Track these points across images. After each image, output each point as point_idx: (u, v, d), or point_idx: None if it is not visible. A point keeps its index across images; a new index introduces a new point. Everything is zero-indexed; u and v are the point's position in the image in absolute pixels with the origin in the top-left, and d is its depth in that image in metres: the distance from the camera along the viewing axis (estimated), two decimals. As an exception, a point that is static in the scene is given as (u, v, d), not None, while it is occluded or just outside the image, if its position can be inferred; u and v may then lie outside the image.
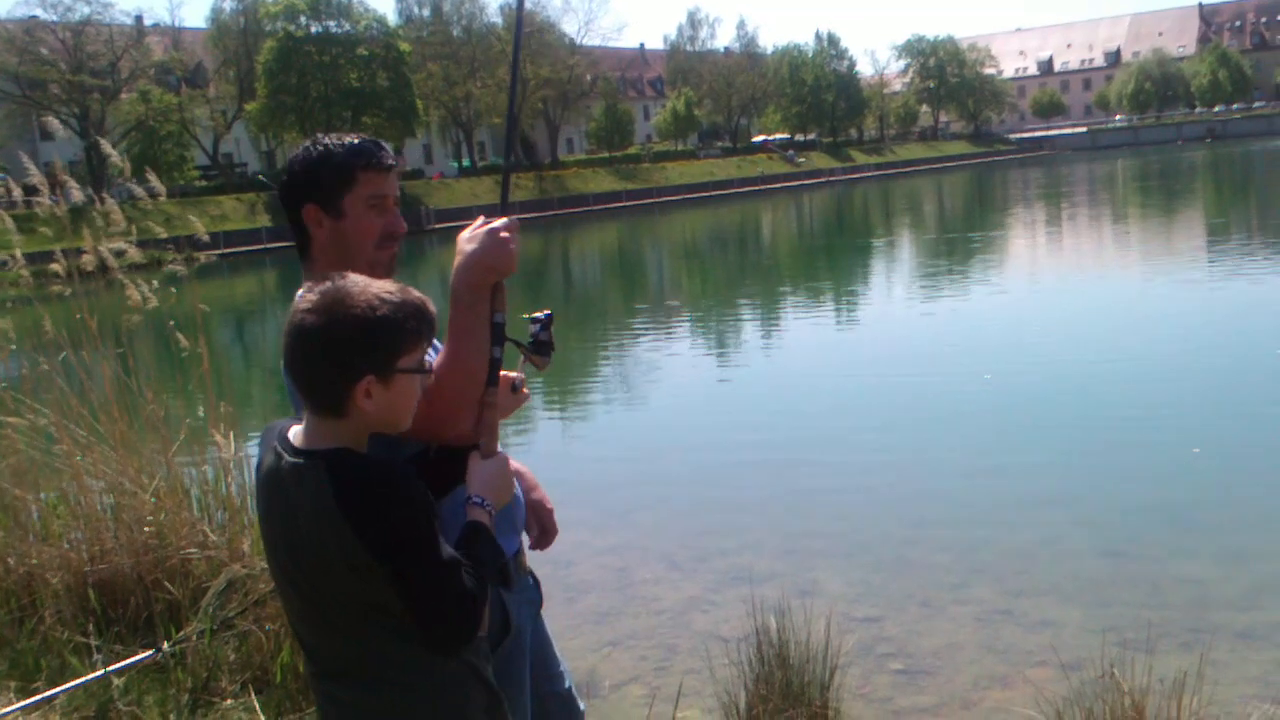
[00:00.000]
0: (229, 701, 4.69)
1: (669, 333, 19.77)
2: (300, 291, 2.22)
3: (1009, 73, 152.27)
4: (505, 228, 2.47)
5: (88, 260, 5.81)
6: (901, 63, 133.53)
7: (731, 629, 4.53)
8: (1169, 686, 3.24)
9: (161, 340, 6.51)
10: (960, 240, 35.02)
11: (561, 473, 8.88)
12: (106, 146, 7.57)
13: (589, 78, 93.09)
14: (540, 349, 2.47)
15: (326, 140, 2.56)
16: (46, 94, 62.43)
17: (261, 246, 54.69)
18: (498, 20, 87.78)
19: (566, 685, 2.89)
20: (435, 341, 2.35)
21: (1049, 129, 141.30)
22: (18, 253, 5.89)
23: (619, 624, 5.49)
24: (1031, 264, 26.70)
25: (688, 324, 21.25)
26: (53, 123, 45.12)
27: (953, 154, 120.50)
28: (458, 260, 2.42)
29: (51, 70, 62.81)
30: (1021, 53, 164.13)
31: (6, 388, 5.97)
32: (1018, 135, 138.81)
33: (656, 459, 10.11)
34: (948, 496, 8.20)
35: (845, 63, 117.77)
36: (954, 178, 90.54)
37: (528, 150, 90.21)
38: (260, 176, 69.38)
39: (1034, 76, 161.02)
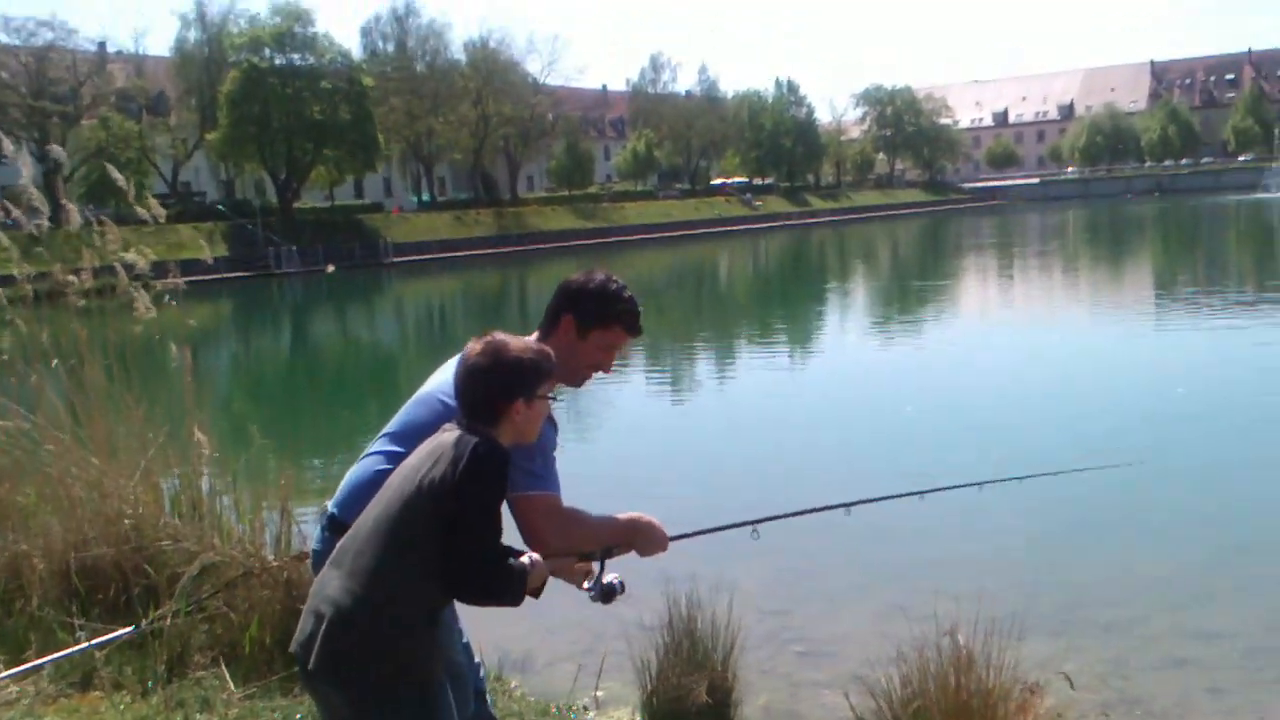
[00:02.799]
0: (201, 672, 5.24)
1: (621, 370, 20.32)
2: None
3: (965, 123, 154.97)
4: (665, 542, 3.44)
5: (80, 279, 6.37)
6: (859, 111, 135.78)
7: (653, 617, 5.06)
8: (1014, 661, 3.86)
9: (135, 357, 7.08)
10: (913, 288, 35.83)
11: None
12: (58, 151, 8.00)
13: (551, 116, 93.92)
14: (606, 595, 3.28)
15: (617, 283, 3.43)
16: (6, 117, 62.36)
17: (219, 276, 54.75)
18: (461, 57, 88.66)
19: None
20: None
21: (1003, 179, 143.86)
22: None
23: (554, 614, 6.12)
24: (979, 312, 27.53)
25: (641, 361, 21.80)
26: (6, 145, 45.15)
27: (907, 201, 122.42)
28: (649, 522, 3.40)
29: (11, 94, 62.81)
30: (977, 103, 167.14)
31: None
32: (972, 184, 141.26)
33: (601, 479, 10.66)
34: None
35: (804, 109, 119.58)
36: (908, 225, 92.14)
37: (488, 187, 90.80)
38: (219, 206, 69.53)
39: (989, 127, 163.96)
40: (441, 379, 3.38)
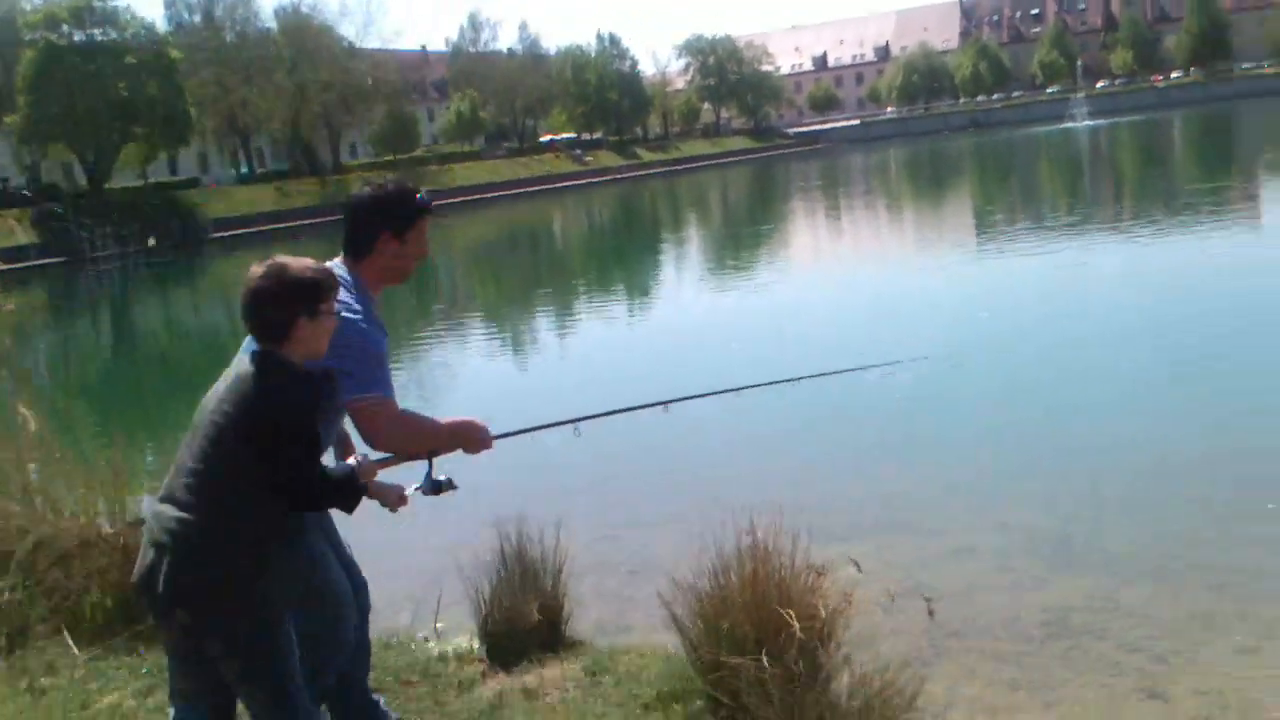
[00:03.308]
0: (43, 642, 5.30)
1: (463, 336, 20.34)
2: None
3: (785, 69, 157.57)
4: (488, 443, 3.75)
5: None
6: (682, 61, 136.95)
7: (488, 552, 5.29)
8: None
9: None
10: (747, 233, 36.32)
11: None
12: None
13: (369, 81, 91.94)
14: (434, 489, 3.67)
15: (398, 183, 3.80)
16: None
17: (30, 264, 52.40)
18: (272, 25, 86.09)
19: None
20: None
21: (825, 122, 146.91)
22: None
23: (395, 559, 6.36)
24: (811, 254, 28.14)
25: (480, 325, 21.86)
26: None
27: (735, 149, 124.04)
28: (472, 422, 3.73)
29: None
30: (797, 49, 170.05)
31: None
32: (796, 129, 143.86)
33: None
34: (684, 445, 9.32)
35: (628, 62, 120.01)
36: (737, 172, 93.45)
37: (309, 156, 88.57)
38: (24, 192, 66.31)
39: (809, 72, 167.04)
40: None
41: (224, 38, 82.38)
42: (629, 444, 9.70)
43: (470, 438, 3.72)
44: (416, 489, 3.67)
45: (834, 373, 5.29)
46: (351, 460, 3.36)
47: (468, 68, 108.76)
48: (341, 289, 3.43)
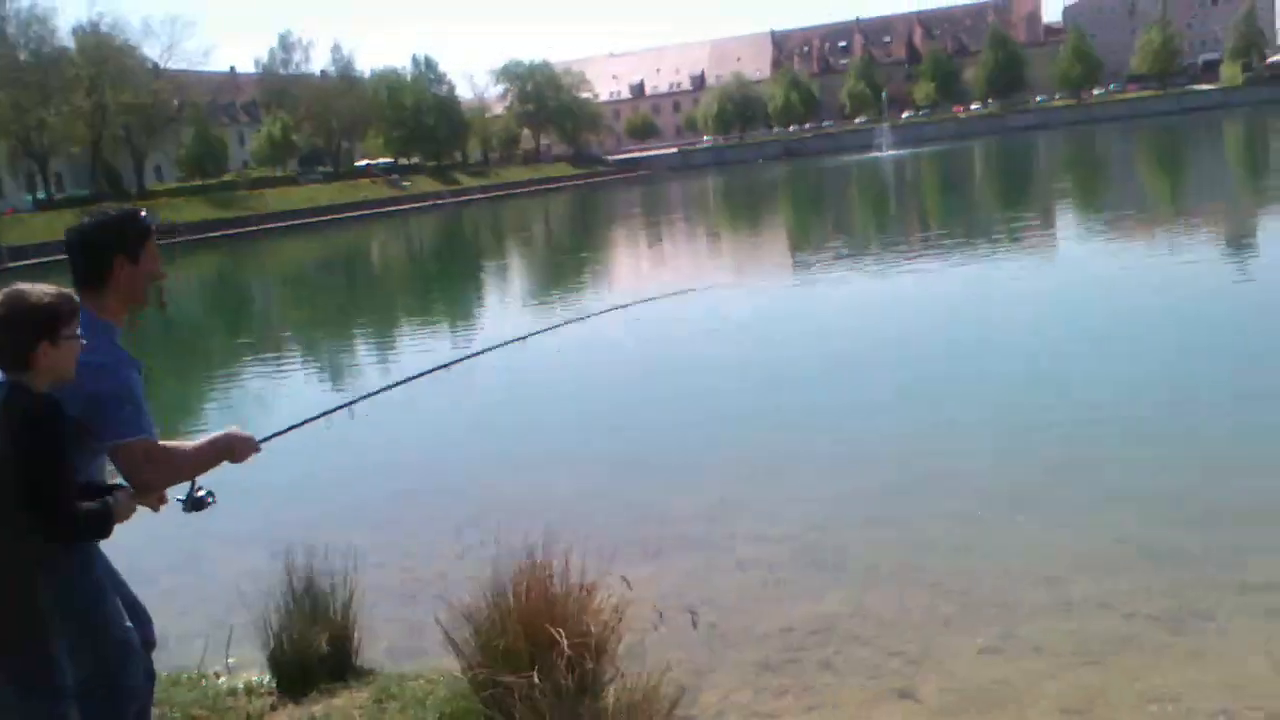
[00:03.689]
0: None
1: (279, 365, 19.93)
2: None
3: (604, 96, 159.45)
4: (255, 448, 3.83)
5: None
6: (500, 87, 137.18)
7: (277, 584, 5.32)
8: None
9: None
10: (570, 259, 36.47)
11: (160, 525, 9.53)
12: None
13: (176, 103, 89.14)
14: (194, 506, 3.80)
15: (118, 209, 3.88)
16: None
17: None
18: (70, 44, 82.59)
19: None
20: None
21: (644, 150, 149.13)
22: None
23: (185, 596, 6.32)
24: (632, 277, 28.51)
25: (298, 355, 21.43)
26: None
27: (555, 175, 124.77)
28: (230, 434, 3.78)
29: None
30: (615, 76, 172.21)
31: None
32: (615, 156, 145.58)
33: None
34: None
35: (445, 86, 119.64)
36: (558, 198, 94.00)
37: (111, 180, 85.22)
38: None
39: (627, 99, 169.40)
40: None
41: (18, 56, 78.55)
42: (414, 464, 10.58)
43: (233, 448, 3.77)
44: (179, 500, 3.74)
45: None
46: (109, 498, 3.40)
47: (279, 88, 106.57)
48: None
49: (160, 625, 4.33)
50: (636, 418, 11.41)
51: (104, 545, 3.78)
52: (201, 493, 3.77)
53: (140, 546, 4.26)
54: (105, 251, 3.66)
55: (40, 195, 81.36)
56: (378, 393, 4.28)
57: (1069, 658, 5.14)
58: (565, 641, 3.83)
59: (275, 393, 16.11)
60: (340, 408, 4.09)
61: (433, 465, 10.67)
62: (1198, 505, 7.02)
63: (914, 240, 28.34)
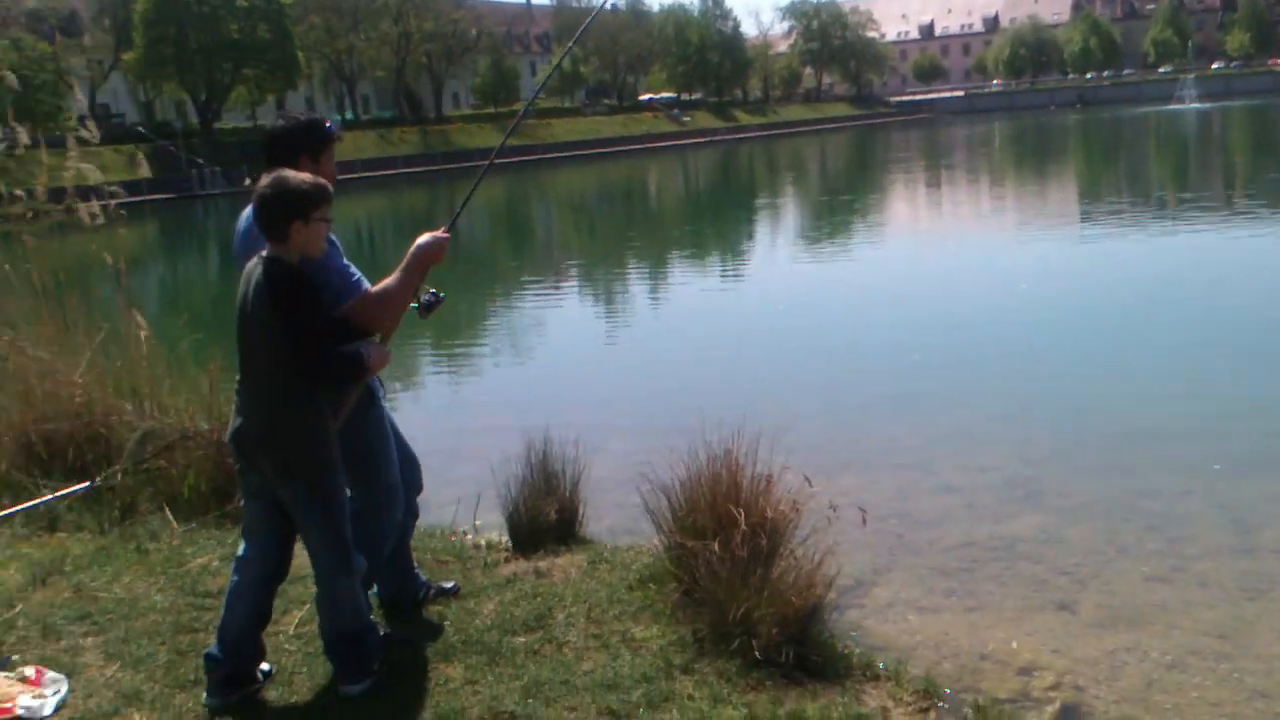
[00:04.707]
0: (149, 516, 6.36)
1: (559, 290, 21.25)
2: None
3: (891, 36, 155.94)
4: (446, 240, 4.37)
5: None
6: (785, 25, 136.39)
7: (518, 461, 6.17)
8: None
9: (80, 268, 8.12)
10: (843, 202, 36.00)
11: (440, 410, 11.08)
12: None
13: (474, 32, 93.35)
14: (427, 310, 4.45)
15: (303, 115, 4.60)
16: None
17: (143, 199, 54.62)
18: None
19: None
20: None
21: (929, 92, 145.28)
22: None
23: (451, 469, 7.37)
24: (910, 225, 27.72)
25: (577, 282, 22.69)
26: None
27: (835, 115, 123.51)
28: (419, 245, 4.30)
29: (-83, 15, 61.50)
30: (903, 16, 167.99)
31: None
32: (899, 98, 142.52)
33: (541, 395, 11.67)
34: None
35: (730, 23, 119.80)
36: (836, 139, 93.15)
37: (412, 105, 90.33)
38: (139, 128, 68.76)
39: (915, 40, 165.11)
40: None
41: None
42: (647, 368, 11.89)
43: (430, 253, 4.34)
44: (414, 307, 4.40)
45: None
46: (360, 346, 4.14)
47: (571, 22, 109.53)
48: None
49: (424, 494, 5.23)
50: (893, 353, 11.92)
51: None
52: (427, 297, 4.44)
53: (414, 433, 5.11)
54: (293, 150, 4.36)
55: (349, 116, 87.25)
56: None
57: (1232, 591, 5.42)
58: (743, 520, 4.48)
59: (549, 314, 17.42)
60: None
61: (674, 372, 11.84)
62: None
63: (1218, 198, 26.91)
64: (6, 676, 4.49)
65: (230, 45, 67.58)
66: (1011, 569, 5.77)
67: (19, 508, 6.43)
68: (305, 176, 3.97)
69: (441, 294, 4.51)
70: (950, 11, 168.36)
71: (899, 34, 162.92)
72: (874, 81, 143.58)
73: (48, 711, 4.29)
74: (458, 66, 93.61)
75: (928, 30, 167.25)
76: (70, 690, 4.42)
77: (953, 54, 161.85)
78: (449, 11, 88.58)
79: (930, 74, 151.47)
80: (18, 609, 5.19)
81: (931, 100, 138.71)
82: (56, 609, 5.21)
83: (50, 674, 4.54)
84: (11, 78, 7.95)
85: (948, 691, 4.32)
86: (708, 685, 4.15)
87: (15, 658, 4.68)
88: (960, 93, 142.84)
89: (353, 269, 4.29)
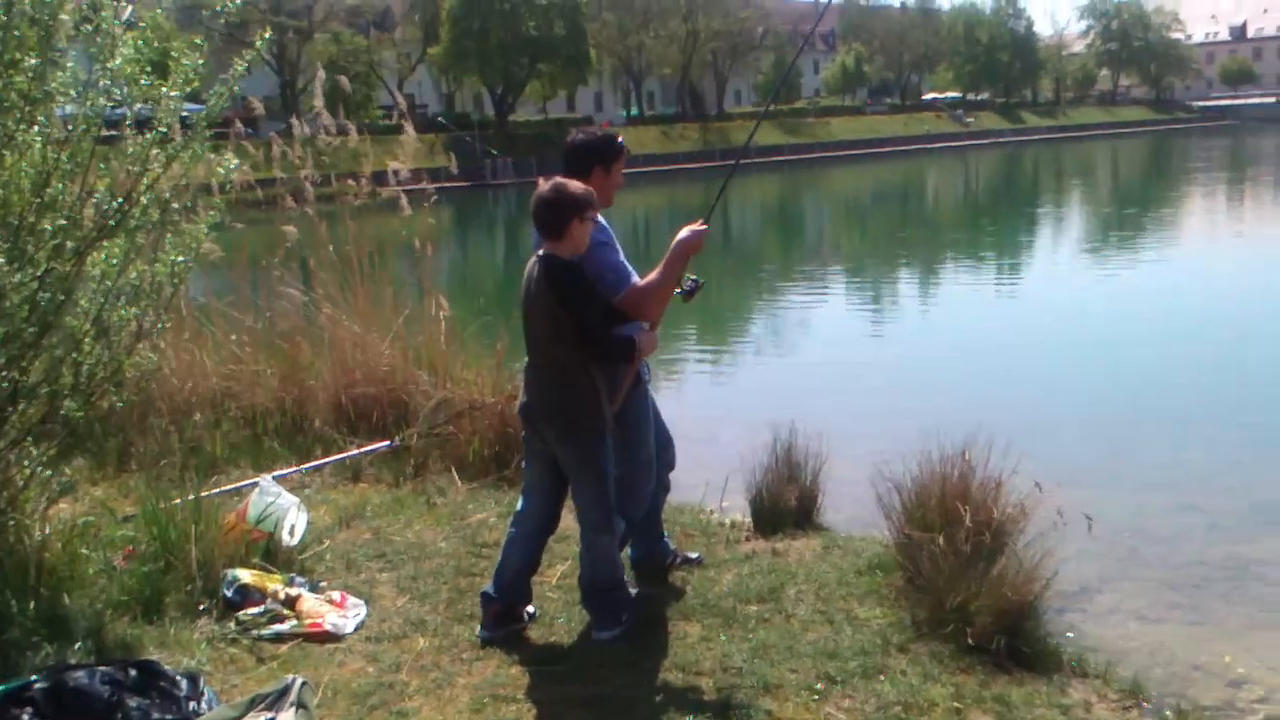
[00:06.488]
0: (437, 475, 7.22)
1: (824, 287, 21.66)
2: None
3: (1198, 37, 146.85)
4: (704, 232, 4.84)
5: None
6: (1082, 24, 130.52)
7: (764, 449, 6.64)
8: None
9: (390, 249, 9.15)
10: (1132, 215, 33.87)
11: (698, 397, 11.84)
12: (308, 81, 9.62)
13: (760, 31, 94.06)
14: (689, 294, 4.93)
15: (600, 130, 5.33)
16: (247, 33, 66.57)
17: (441, 185, 57.78)
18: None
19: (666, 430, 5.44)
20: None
21: (1235, 98, 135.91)
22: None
23: (705, 451, 7.93)
24: (1204, 246, 25.79)
25: (843, 281, 22.99)
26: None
27: (1131, 120, 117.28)
28: (679, 239, 4.77)
29: (253, 10, 67.21)
30: (1213, 17, 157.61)
31: (281, 278, 8.62)
32: (1201, 103, 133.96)
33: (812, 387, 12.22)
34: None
35: (1023, 22, 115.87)
36: (1130, 144, 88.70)
37: (695, 102, 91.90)
38: (441, 119, 72.93)
39: (1224, 42, 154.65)
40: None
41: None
42: (901, 369, 12.40)
43: (689, 246, 4.79)
44: (679, 292, 4.88)
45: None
46: (635, 333, 4.74)
47: (857, 20, 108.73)
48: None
49: (677, 473, 5.78)
50: (1159, 370, 11.95)
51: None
52: (689, 284, 4.91)
53: (673, 415, 5.66)
54: (588, 160, 4.94)
55: (633, 111, 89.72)
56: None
57: None
58: (969, 517, 4.81)
59: (812, 312, 17.77)
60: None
61: (927, 376, 12.24)
62: None
63: None
64: (317, 598, 5.32)
65: (528, 41, 70.63)
66: (1241, 588, 5.83)
67: (330, 459, 7.42)
68: (579, 184, 4.60)
69: (702, 280, 5.01)
70: (1266, 11, 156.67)
71: (1207, 35, 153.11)
72: (1175, 85, 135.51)
73: (349, 629, 5.09)
74: (741, 64, 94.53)
75: (1239, 31, 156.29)
76: (368, 614, 5.22)
77: (1266, 57, 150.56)
78: (737, 10, 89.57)
79: (1239, 78, 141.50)
80: (326, 545, 6.09)
81: (1238, 106, 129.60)
82: (358, 547, 6.09)
83: (352, 599, 5.36)
84: (346, 82, 8.99)
85: (1154, 694, 4.52)
86: (920, 664, 4.54)
87: (324, 584, 5.53)
88: (1273, 99, 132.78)
89: (626, 265, 4.85)
